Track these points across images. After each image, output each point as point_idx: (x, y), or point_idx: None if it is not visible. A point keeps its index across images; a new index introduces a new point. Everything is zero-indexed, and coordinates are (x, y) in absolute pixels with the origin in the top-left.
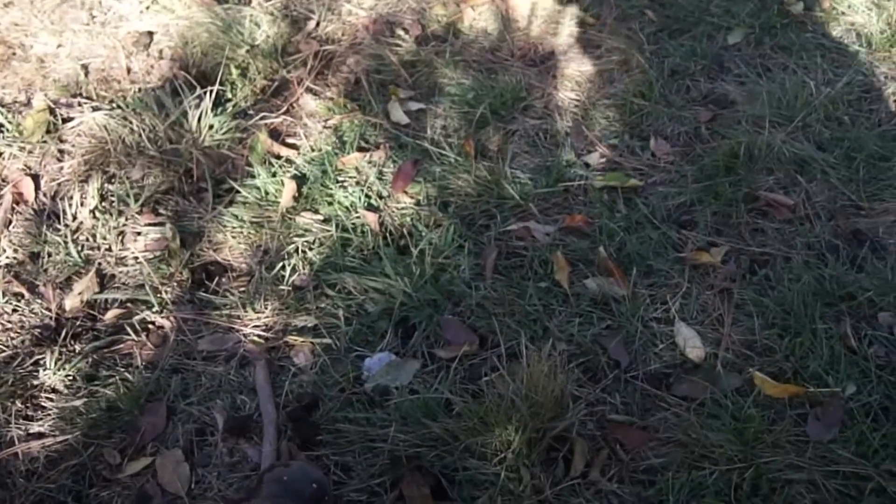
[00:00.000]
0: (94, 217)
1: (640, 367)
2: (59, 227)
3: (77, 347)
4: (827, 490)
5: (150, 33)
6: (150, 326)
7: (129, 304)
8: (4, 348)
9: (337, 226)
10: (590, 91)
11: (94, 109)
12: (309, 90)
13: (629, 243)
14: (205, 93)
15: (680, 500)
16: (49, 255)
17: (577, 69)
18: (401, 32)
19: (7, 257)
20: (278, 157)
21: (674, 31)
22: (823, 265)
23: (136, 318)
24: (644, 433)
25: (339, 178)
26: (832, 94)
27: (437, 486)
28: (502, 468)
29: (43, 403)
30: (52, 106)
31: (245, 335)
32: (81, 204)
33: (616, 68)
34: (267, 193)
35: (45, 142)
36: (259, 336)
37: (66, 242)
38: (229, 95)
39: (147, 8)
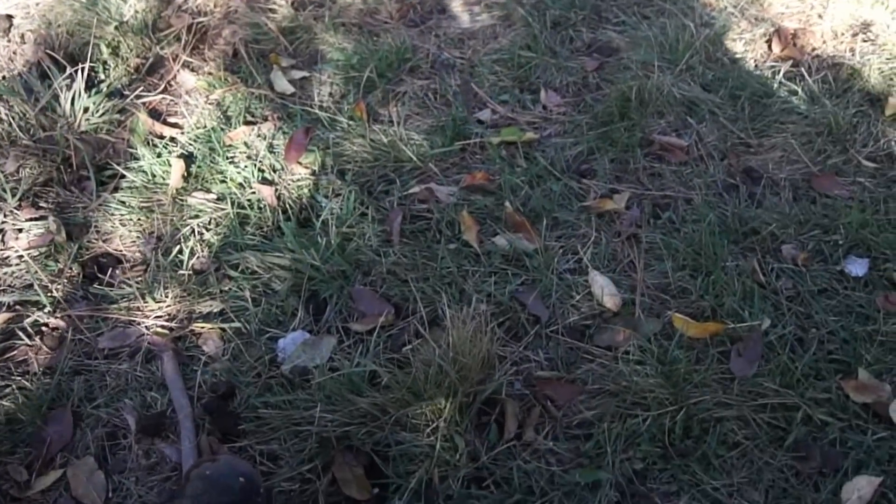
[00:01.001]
0: None
1: (560, 321)
2: None
3: None
4: (757, 424)
5: (9, 17)
6: (44, 329)
7: (17, 307)
8: None
9: (232, 203)
10: (474, 48)
11: None
12: (186, 66)
13: (533, 197)
14: (75, 72)
15: (617, 450)
16: None
17: (458, 27)
18: None
19: None
20: (161, 136)
21: None
22: (724, 203)
23: (28, 320)
24: (573, 387)
25: (229, 155)
26: (711, 35)
27: (370, 464)
28: (436, 438)
29: None
30: None
31: (147, 327)
32: None
33: (498, 24)
34: (154, 176)
35: None
36: (163, 327)
37: None
38: (102, 76)
39: None
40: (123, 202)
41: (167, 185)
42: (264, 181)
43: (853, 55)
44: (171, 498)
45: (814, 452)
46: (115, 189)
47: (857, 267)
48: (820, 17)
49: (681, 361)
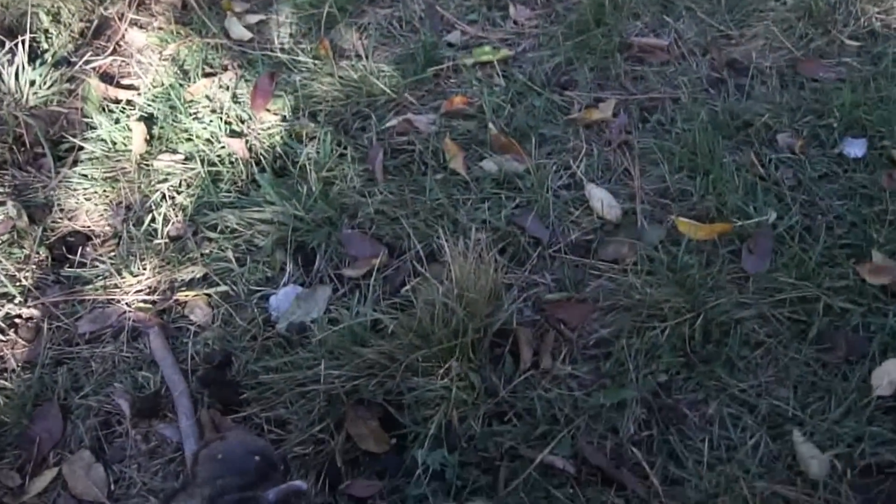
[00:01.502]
0: None
1: (562, 239)
2: None
3: None
4: (777, 320)
5: None
6: (17, 321)
7: None
8: None
9: (201, 161)
10: None
11: None
12: (133, 24)
13: (516, 115)
14: (15, 45)
15: (638, 366)
16: None
17: None
18: None
19: None
20: (117, 101)
21: None
22: (712, 99)
23: None
24: (585, 306)
25: (192, 111)
26: None
27: (384, 416)
28: (450, 379)
29: None
30: None
31: (128, 304)
32: None
33: None
34: (114, 143)
35: None
36: (144, 301)
37: None
38: (45, 45)
39: None
40: (85, 175)
41: (130, 151)
42: (233, 134)
43: None
44: (183, 487)
45: (838, 342)
46: (75, 162)
47: (854, 148)
48: None
49: (692, 266)
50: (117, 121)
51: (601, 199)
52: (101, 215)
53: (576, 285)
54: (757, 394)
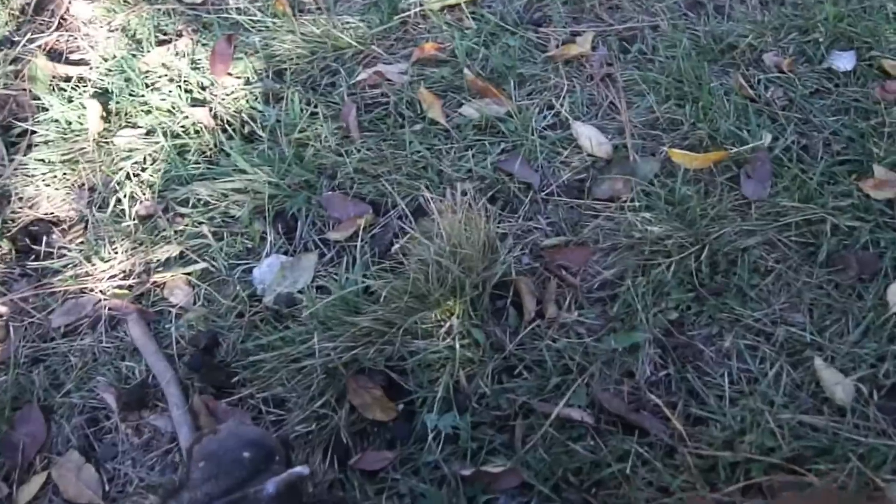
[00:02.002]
0: None
1: (553, 182)
2: None
3: None
4: (785, 245)
5: None
6: None
7: None
8: None
9: (165, 134)
10: None
11: None
12: None
13: (491, 57)
14: None
15: (647, 305)
16: None
17: None
18: None
19: None
20: (67, 79)
21: None
22: (692, 24)
23: None
24: (584, 249)
25: (149, 82)
26: None
27: (388, 383)
28: (453, 339)
29: None
30: None
31: (103, 292)
32: None
33: None
34: (69, 123)
35: None
36: (119, 287)
37: None
38: None
39: None
40: (42, 160)
41: (86, 130)
42: (195, 102)
43: None
44: (180, 487)
45: (849, 261)
46: (29, 147)
47: (843, 61)
48: None
49: (691, 198)
50: (70, 99)
51: (589, 137)
52: (64, 200)
53: (573, 228)
54: (772, 322)
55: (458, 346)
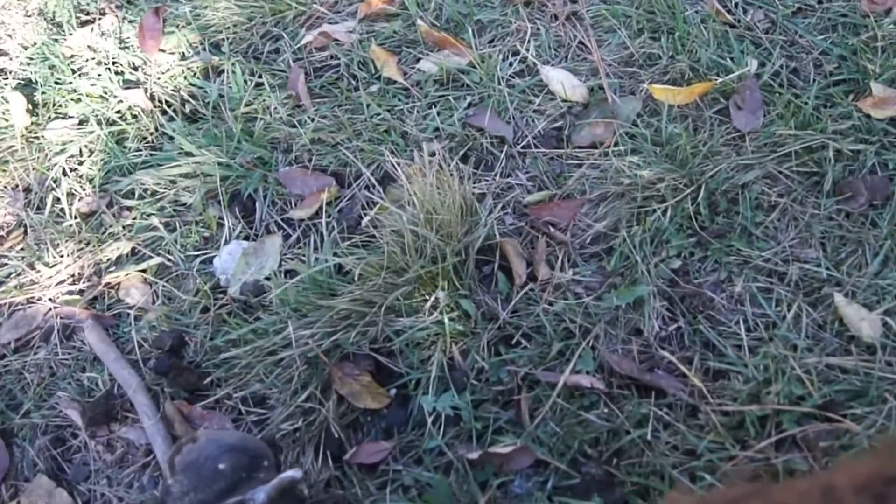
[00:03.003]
0: None
1: (528, 133)
2: None
3: None
4: (787, 177)
5: None
6: None
7: None
8: None
9: (99, 122)
10: None
11: None
12: None
13: (445, 5)
14: None
15: (646, 256)
16: None
17: None
18: None
19: None
20: None
21: None
22: None
23: None
24: (571, 201)
25: (75, 67)
26: None
27: (376, 367)
28: (440, 312)
29: None
30: None
31: (52, 299)
32: None
33: None
34: None
35: None
36: (70, 293)
37: None
38: None
39: None
40: None
41: (13, 126)
42: (128, 84)
43: None
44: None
45: (857, 187)
46: None
47: None
48: None
49: (679, 136)
50: None
51: (561, 81)
52: None
53: (556, 180)
54: (783, 260)
55: (446, 319)
